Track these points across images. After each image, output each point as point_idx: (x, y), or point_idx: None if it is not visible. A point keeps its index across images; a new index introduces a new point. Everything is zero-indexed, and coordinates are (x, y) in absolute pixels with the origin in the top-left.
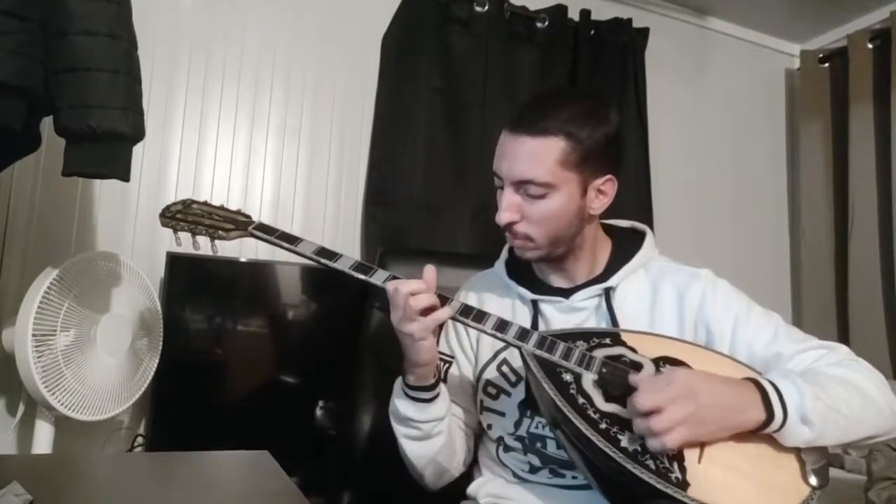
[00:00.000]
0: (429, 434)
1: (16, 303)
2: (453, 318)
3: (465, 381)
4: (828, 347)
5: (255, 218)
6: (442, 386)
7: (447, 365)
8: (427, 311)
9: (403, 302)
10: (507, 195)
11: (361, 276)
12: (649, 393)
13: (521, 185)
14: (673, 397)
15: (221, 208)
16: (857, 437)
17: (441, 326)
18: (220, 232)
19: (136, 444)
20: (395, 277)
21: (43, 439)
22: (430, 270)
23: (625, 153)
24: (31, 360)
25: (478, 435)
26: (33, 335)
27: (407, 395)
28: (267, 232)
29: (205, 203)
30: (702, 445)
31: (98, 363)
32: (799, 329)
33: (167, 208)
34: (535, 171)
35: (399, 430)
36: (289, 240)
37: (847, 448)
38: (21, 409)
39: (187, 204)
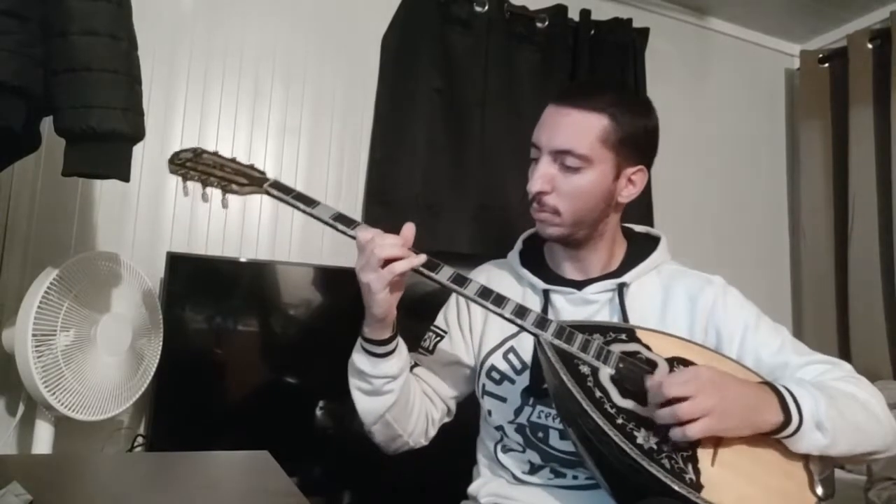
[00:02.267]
0: (378, 390)
1: (16, 303)
2: (471, 299)
3: (454, 357)
4: (832, 363)
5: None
6: (400, 346)
7: (438, 338)
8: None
9: (369, 249)
10: (542, 165)
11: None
12: (678, 381)
13: (558, 155)
14: (701, 387)
15: (234, 161)
16: (863, 449)
17: (403, 280)
18: (233, 185)
19: (136, 444)
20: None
21: (43, 439)
22: (408, 227)
23: (657, 151)
24: (31, 360)
25: (475, 436)
26: (33, 335)
27: (362, 348)
28: (283, 191)
29: (215, 153)
30: (715, 448)
31: (98, 363)
32: (804, 345)
33: (176, 155)
34: (575, 142)
35: (352, 381)
36: (306, 201)
37: (848, 463)
38: (21, 409)
39: (198, 152)
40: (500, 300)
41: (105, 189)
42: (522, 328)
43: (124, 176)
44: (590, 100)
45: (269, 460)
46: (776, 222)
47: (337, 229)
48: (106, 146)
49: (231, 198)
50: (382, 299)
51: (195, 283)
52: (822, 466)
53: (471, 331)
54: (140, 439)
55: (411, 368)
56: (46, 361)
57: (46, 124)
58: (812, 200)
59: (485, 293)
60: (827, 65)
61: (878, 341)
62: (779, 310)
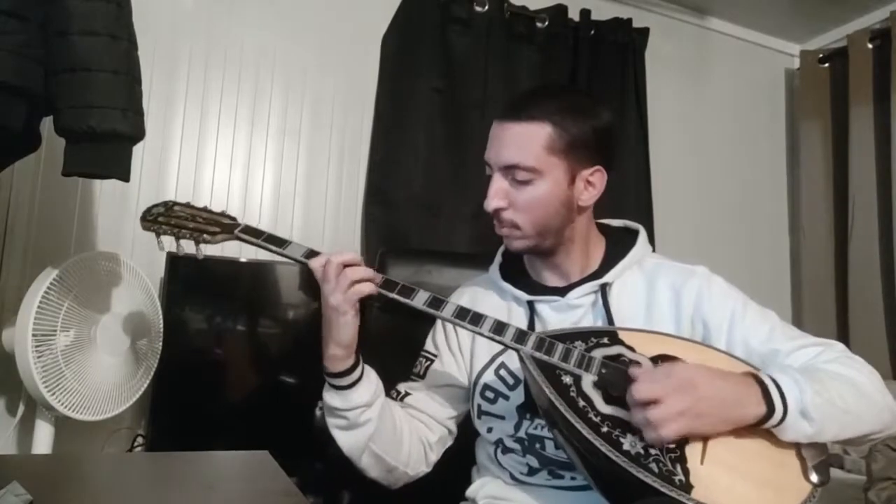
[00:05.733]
0: (355, 422)
1: (16, 303)
2: (448, 320)
3: (447, 378)
4: (824, 344)
5: (240, 220)
6: (367, 372)
7: (429, 362)
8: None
9: (338, 272)
10: (494, 181)
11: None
12: (648, 383)
13: (508, 170)
14: (671, 388)
15: (205, 210)
16: (854, 433)
17: (365, 307)
18: (204, 235)
19: (136, 444)
20: (314, 252)
21: (43, 439)
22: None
23: (616, 148)
24: (31, 360)
25: (474, 437)
26: (33, 335)
27: (329, 385)
28: (253, 234)
29: (187, 204)
30: (704, 445)
31: (98, 363)
32: (795, 327)
33: (148, 211)
34: (520, 156)
35: (329, 421)
36: (276, 242)
37: (845, 445)
38: (21, 409)
39: (169, 206)
40: (477, 319)
41: (105, 189)
42: (502, 344)
43: (124, 176)
44: (530, 110)
45: (269, 460)
46: (776, 222)
47: (309, 265)
48: (106, 146)
49: (231, 197)
50: (349, 322)
51: (195, 283)
52: (815, 452)
53: (461, 351)
54: (140, 439)
55: (402, 399)
56: (46, 361)
57: (46, 124)
58: (812, 200)
59: (461, 314)
60: (827, 65)
61: (878, 341)
62: (779, 310)
